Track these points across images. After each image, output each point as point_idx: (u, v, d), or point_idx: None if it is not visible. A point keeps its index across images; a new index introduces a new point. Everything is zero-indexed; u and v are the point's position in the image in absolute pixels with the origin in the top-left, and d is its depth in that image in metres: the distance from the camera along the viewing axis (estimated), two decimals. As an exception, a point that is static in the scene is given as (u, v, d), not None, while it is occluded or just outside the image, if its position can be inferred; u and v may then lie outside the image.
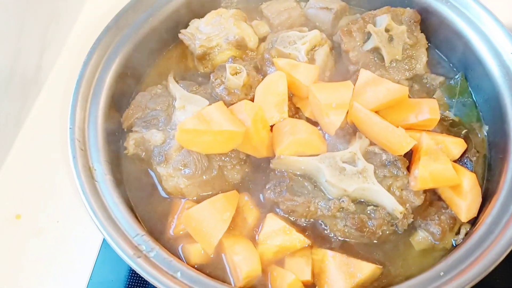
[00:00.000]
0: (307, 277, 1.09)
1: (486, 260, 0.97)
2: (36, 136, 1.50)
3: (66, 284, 1.27)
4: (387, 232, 1.13)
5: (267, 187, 1.19)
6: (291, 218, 1.18)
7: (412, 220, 1.14)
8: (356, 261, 1.10)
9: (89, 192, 1.09)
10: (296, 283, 1.08)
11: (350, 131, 1.24)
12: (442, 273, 0.98)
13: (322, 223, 1.17)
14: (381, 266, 1.11)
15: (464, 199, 1.13)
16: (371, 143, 1.21)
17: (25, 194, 1.40)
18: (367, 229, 1.11)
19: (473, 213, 1.13)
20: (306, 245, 1.15)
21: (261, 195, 1.22)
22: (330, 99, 1.20)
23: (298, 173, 1.20)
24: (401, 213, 1.10)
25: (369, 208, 1.14)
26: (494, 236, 1.01)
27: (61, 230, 1.35)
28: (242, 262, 1.09)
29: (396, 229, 1.14)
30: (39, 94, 1.58)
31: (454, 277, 0.97)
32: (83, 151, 1.16)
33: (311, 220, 1.17)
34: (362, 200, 1.15)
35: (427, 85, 1.38)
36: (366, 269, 1.09)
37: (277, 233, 1.14)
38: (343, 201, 1.13)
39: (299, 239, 1.14)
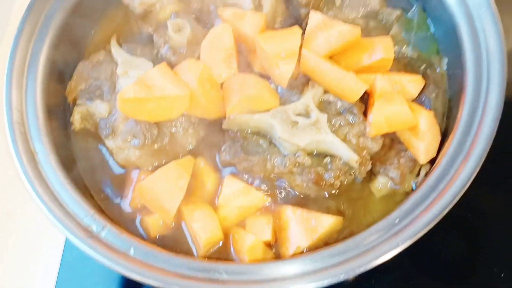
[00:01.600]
0: (268, 236, 1.08)
1: (440, 204, 0.95)
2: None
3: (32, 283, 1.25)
4: (346, 182, 1.10)
5: (222, 149, 1.15)
6: (249, 178, 1.15)
7: (370, 166, 1.11)
8: (316, 214, 1.08)
9: (32, 177, 1.05)
10: (257, 244, 1.07)
11: (304, 81, 1.18)
12: (397, 220, 0.96)
13: (283, 181, 1.14)
14: (342, 217, 1.09)
15: (422, 140, 1.09)
16: (326, 91, 1.16)
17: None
18: (324, 181, 1.08)
19: (432, 154, 1.10)
20: (267, 203, 1.13)
21: (217, 158, 1.18)
22: (278, 48, 1.13)
23: (251, 131, 1.15)
24: (356, 162, 1.07)
25: (325, 159, 1.10)
26: (449, 177, 0.98)
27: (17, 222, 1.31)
28: (201, 229, 1.07)
29: (356, 178, 1.12)
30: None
31: (409, 223, 0.95)
32: (23, 133, 1.10)
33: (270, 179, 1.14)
34: (319, 152, 1.11)
35: (383, 21, 1.30)
36: (326, 222, 1.07)
37: (236, 194, 1.12)
38: (298, 156, 1.09)
39: (259, 197, 1.12)
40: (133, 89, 1.09)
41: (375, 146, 1.11)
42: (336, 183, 1.09)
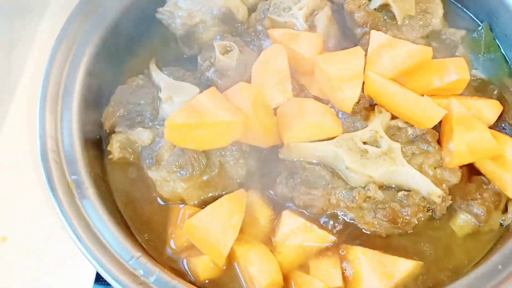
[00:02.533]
0: (338, 282, 0.94)
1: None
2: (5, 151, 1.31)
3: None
4: (423, 219, 0.97)
5: (278, 181, 1.04)
6: (309, 214, 1.02)
7: (451, 202, 0.98)
8: (391, 258, 0.95)
9: (69, 212, 0.93)
10: None
11: (367, 105, 1.07)
12: (500, 266, 0.82)
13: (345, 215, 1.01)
14: (421, 262, 0.96)
15: (509, 171, 0.98)
16: (393, 117, 1.04)
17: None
18: (401, 219, 0.95)
19: (522, 186, 0.97)
20: (332, 244, 1.00)
21: (271, 191, 1.06)
22: (341, 70, 1.02)
23: (312, 161, 1.03)
24: (439, 196, 0.95)
25: (399, 194, 0.98)
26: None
27: (52, 251, 1.18)
28: (259, 273, 0.94)
29: (433, 214, 0.99)
30: (11, 102, 1.39)
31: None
32: (58, 163, 0.98)
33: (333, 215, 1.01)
34: (391, 185, 0.99)
35: (447, 42, 1.20)
36: (404, 266, 0.94)
37: (296, 232, 1.00)
38: (369, 189, 0.97)
39: (323, 236, 1.00)
40: (182, 115, 0.98)
41: (454, 178, 0.99)
42: (413, 221, 0.96)
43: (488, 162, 1.00)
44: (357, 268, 0.95)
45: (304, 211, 1.03)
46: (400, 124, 1.04)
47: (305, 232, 0.99)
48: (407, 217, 0.96)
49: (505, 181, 0.97)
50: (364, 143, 1.02)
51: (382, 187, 0.99)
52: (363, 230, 1.00)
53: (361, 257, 0.95)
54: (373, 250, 0.96)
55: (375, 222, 0.97)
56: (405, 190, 0.98)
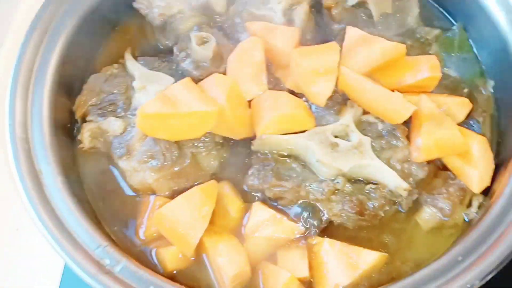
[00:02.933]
0: (304, 273, 0.95)
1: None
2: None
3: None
4: (389, 212, 0.99)
5: (249, 173, 1.04)
6: (280, 206, 1.03)
7: (417, 196, 0.99)
8: (357, 249, 0.96)
9: (37, 201, 0.91)
10: (292, 282, 0.94)
11: (339, 100, 1.08)
12: (460, 258, 0.84)
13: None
14: (386, 253, 0.97)
15: (475, 167, 0.99)
16: (365, 112, 1.05)
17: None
18: (368, 211, 0.97)
19: (487, 182, 1.00)
20: (301, 235, 1.00)
21: (243, 184, 1.06)
22: (316, 64, 1.03)
23: (284, 153, 1.04)
24: (405, 190, 0.96)
25: (367, 187, 0.99)
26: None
27: (22, 243, 1.17)
28: (227, 264, 0.95)
29: (400, 208, 1.00)
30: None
31: (476, 261, 0.83)
32: (27, 151, 0.97)
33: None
34: (360, 178, 1.00)
35: (421, 40, 1.21)
36: (369, 258, 0.95)
37: (266, 224, 0.99)
38: (337, 182, 0.98)
39: (292, 228, 1.00)
40: (155, 104, 0.98)
41: (421, 173, 1.00)
42: (380, 213, 0.97)
43: (455, 158, 1.01)
44: (324, 259, 0.96)
45: (275, 203, 1.03)
46: (371, 119, 1.05)
47: (274, 224, 0.99)
48: (374, 210, 0.97)
49: (471, 177, 0.99)
50: (336, 136, 1.02)
51: (350, 180, 1.00)
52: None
53: (328, 248, 0.96)
54: (340, 242, 0.97)
55: (343, 214, 0.98)
56: (372, 183, 1.00)
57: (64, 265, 1.17)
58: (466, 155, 1.00)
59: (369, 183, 1.00)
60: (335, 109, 1.07)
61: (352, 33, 1.09)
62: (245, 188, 1.06)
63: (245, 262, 0.96)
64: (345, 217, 0.99)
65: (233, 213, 1.03)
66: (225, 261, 0.95)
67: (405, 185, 0.96)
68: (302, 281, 0.96)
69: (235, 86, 1.05)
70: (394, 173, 0.97)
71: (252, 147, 1.04)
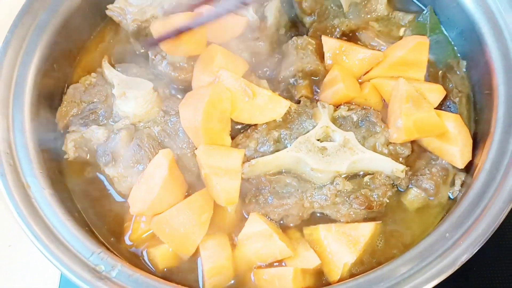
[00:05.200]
0: (316, 261, 0.95)
1: (494, 211, 0.86)
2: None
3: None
4: (392, 196, 1.02)
5: (247, 201, 1.02)
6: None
7: (410, 173, 1.02)
8: (352, 226, 0.98)
9: (26, 213, 0.91)
10: (298, 273, 0.94)
11: (308, 103, 1.09)
12: (447, 234, 0.87)
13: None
14: (380, 222, 0.99)
15: (455, 144, 1.02)
16: (335, 109, 1.07)
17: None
18: (375, 202, 0.98)
19: (468, 157, 1.03)
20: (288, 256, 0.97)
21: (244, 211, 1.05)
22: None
23: (274, 171, 1.04)
24: (402, 171, 0.99)
25: (365, 179, 1.01)
26: (497, 182, 0.90)
27: (15, 258, 1.17)
28: (206, 257, 0.95)
29: (399, 188, 1.04)
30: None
31: (462, 236, 0.85)
32: (12, 166, 0.96)
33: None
34: (354, 173, 1.03)
35: (394, 26, 1.23)
36: (366, 229, 0.97)
37: (257, 237, 0.97)
38: (337, 183, 0.99)
39: (281, 249, 0.95)
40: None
41: (406, 151, 1.03)
42: (385, 201, 0.99)
43: (434, 140, 1.04)
44: (324, 243, 0.97)
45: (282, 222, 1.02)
46: (344, 113, 1.06)
47: (264, 240, 0.95)
48: (379, 199, 0.98)
49: (452, 154, 1.02)
50: (319, 140, 1.03)
51: (347, 177, 1.01)
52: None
53: (326, 233, 0.97)
54: (335, 224, 0.98)
55: (351, 213, 0.98)
56: (368, 174, 1.01)
57: (60, 279, 1.17)
58: (444, 135, 1.03)
59: (366, 174, 1.02)
60: (309, 114, 1.07)
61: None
62: (245, 214, 1.03)
63: (226, 258, 0.96)
64: (354, 215, 0.99)
65: (228, 219, 1.03)
66: (206, 254, 0.96)
67: (401, 167, 0.99)
68: (315, 270, 0.96)
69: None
70: (389, 159, 0.99)
71: (243, 175, 1.01)
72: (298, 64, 1.14)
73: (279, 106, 1.05)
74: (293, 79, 1.15)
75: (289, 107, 1.06)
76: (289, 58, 1.16)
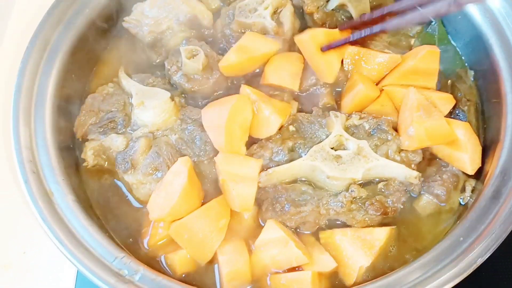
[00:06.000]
0: (333, 264, 0.97)
1: (507, 214, 0.88)
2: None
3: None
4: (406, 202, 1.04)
5: (263, 209, 1.04)
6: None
7: (423, 178, 1.05)
8: (367, 230, 1.00)
9: (51, 220, 0.94)
10: (316, 277, 0.96)
11: (320, 113, 1.12)
12: (461, 238, 0.89)
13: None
14: (394, 226, 1.02)
15: (465, 151, 1.05)
16: (347, 118, 1.10)
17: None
18: (390, 208, 1.00)
19: (478, 164, 1.05)
20: (305, 261, 0.98)
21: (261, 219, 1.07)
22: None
23: (288, 180, 1.06)
24: (416, 177, 1.01)
25: (379, 185, 1.03)
26: (508, 187, 0.93)
27: (29, 262, 1.19)
28: (225, 262, 0.97)
29: (412, 194, 1.07)
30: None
31: (476, 240, 0.88)
32: (36, 173, 0.99)
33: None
34: (370, 179, 1.05)
35: (403, 38, 1.26)
36: (381, 234, 0.99)
37: (273, 243, 0.98)
38: (352, 190, 1.01)
39: (296, 256, 0.97)
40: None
41: (418, 157, 1.05)
42: (399, 206, 1.01)
43: (444, 148, 1.07)
44: (341, 247, 0.99)
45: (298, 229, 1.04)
46: (356, 121, 1.08)
47: (280, 247, 0.97)
48: (395, 204, 1.00)
49: (462, 160, 1.04)
50: (332, 148, 1.05)
51: (361, 184, 1.03)
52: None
53: (341, 237, 0.99)
54: (350, 228, 1.01)
55: (366, 219, 1.00)
56: (382, 181, 1.03)
57: (74, 285, 1.18)
58: (454, 142, 1.06)
59: (380, 181, 1.04)
60: (322, 123, 1.09)
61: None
62: (261, 223, 1.06)
63: (244, 263, 0.98)
64: (369, 221, 1.01)
65: (244, 224, 1.05)
66: (224, 259, 0.98)
67: (414, 173, 1.01)
68: (330, 273, 0.99)
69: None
70: (402, 165, 1.01)
71: (260, 184, 1.03)
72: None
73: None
74: (315, 88, 1.18)
75: (302, 117, 1.10)
76: (310, 67, 1.19)
